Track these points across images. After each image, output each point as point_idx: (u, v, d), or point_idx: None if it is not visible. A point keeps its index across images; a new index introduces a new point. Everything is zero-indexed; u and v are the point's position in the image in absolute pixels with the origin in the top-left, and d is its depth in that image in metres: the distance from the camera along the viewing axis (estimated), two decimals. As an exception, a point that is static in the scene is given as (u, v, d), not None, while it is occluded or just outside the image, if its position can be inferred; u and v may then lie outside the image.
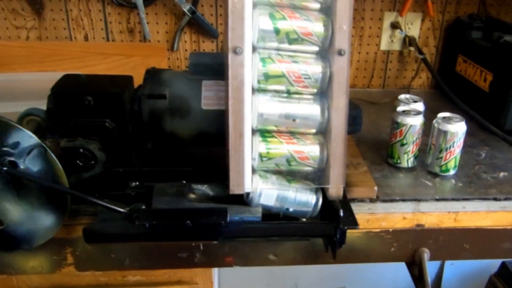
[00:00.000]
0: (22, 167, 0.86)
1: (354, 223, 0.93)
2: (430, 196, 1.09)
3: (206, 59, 1.03)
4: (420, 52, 1.57)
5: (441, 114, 1.15)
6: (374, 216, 1.08)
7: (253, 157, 0.90)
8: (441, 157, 1.14)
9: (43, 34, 1.56)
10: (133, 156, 1.05)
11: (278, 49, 0.89)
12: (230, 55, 0.85)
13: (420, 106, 1.22)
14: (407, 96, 1.25)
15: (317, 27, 0.87)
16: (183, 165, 1.01)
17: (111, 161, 1.02)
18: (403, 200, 1.08)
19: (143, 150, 1.05)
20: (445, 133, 1.12)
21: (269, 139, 0.91)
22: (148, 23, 1.55)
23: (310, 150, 0.92)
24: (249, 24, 0.85)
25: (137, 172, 1.01)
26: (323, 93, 0.91)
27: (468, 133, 1.37)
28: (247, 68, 0.86)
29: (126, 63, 1.55)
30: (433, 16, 1.59)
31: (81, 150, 0.95)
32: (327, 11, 0.88)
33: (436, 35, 1.64)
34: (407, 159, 1.17)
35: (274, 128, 0.91)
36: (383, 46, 1.64)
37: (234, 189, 0.90)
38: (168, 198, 0.90)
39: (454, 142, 1.12)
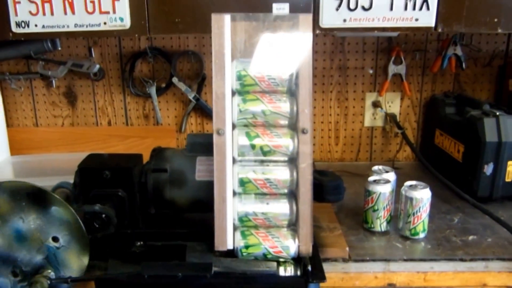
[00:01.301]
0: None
1: (322, 277, 1.04)
2: (399, 256, 1.19)
3: (200, 139, 1.20)
4: (399, 127, 1.73)
5: (408, 183, 1.28)
6: (347, 275, 1.19)
7: (233, 217, 1.05)
8: (410, 222, 1.26)
9: (75, 121, 1.79)
10: (140, 219, 1.21)
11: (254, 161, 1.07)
12: (214, 136, 1.02)
13: (391, 176, 1.35)
14: (380, 167, 1.39)
15: (285, 141, 1.05)
16: (181, 228, 1.16)
17: (122, 224, 1.18)
18: (374, 260, 1.18)
19: (148, 215, 1.21)
20: (411, 199, 1.24)
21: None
22: (160, 109, 1.77)
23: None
24: (229, 110, 1.03)
25: (142, 233, 1.16)
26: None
27: (444, 200, 1.51)
28: (228, 145, 1.03)
29: (141, 144, 1.75)
30: (411, 94, 1.76)
31: (100, 215, 1.12)
32: (292, 95, 1.06)
33: (416, 111, 1.80)
34: (379, 224, 1.29)
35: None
36: (367, 123, 1.81)
37: (218, 246, 1.04)
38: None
39: (420, 207, 1.24)
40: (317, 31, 1.34)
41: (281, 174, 1.06)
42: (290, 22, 1.06)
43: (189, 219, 1.23)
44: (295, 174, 1.05)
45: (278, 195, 1.07)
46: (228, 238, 1.04)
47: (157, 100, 1.75)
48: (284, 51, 1.05)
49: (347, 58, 1.74)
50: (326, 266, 1.16)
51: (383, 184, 1.28)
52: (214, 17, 1.01)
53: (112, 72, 1.74)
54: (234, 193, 1.06)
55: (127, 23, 1.33)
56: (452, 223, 1.37)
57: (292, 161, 1.06)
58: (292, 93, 1.06)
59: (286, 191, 1.07)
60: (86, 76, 1.71)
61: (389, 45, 1.72)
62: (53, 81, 1.71)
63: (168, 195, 1.17)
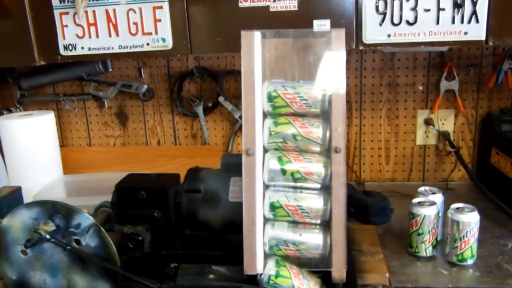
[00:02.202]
0: (83, 243, 1.03)
1: (357, 305, 0.98)
2: (443, 284, 1.10)
3: (235, 159, 1.17)
4: (452, 146, 1.61)
5: (455, 205, 1.18)
6: (388, 303, 1.11)
7: (264, 242, 1.00)
8: (457, 247, 1.16)
9: (126, 141, 1.82)
10: (176, 241, 1.19)
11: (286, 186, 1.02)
12: (244, 156, 0.99)
13: (438, 197, 1.25)
14: (427, 188, 1.29)
15: (318, 168, 0.99)
16: (215, 250, 1.14)
17: (158, 245, 1.17)
18: (416, 288, 1.10)
19: (183, 236, 1.19)
20: (457, 223, 1.15)
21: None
22: (207, 128, 1.77)
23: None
24: (260, 130, 1.00)
25: (176, 255, 1.14)
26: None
27: (499, 224, 1.38)
28: (258, 166, 0.99)
29: (189, 163, 1.73)
30: (465, 111, 1.64)
31: (133, 235, 1.12)
32: (325, 117, 1.01)
33: (471, 129, 1.67)
34: (425, 249, 1.20)
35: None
36: (419, 141, 1.70)
37: (247, 270, 1.00)
38: (190, 277, 1.01)
39: (467, 232, 1.14)
40: (361, 47, 1.28)
41: (314, 202, 1.00)
42: (324, 38, 1.01)
43: (226, 240, 1.20)
44: (328, 203, 0.99)
45: (311, 225, 1.01)
46: (258, 262, 1.00)
47: (205, 120, 1.75)
48: (316, 68, 1.01)
49: (397, 74, 1.66)
50: (365, 293, 1.10)
51: (428, 206, 1.19)
52: (244, 34, 0.99)
53: (161, 92, 1.76)
54: (265, 218, 1.02)
55: (169, 44, 1.34)
56: (505, 248, 1.25)
57: (326, 189, 1.00)
58: (326, 115, 1.00)
59: (319, 221, 1.01)
60: (136, 96, 1.74)
61: (441, 60, 1.61)
62: (105, 102, 1.76)
63: (201, 216, 1.15)
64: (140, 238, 1.11)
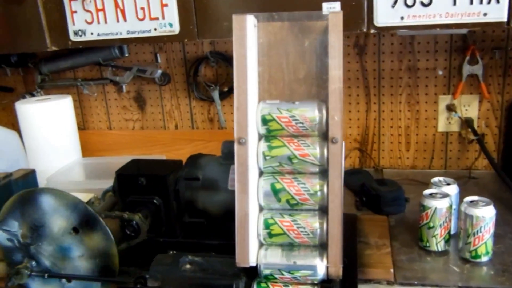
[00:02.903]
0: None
1: (353, 304, 0.89)
2: (453, 282, 1.00)
3: (235, 146, 1.10)
4: (475, 133, 1.47)
5: (468, 198, 1.07)
6: (393, 299, 1.02)
7: (258, 233, 0.93)
8: (470, 242, 1.05)
9: (144, 125, 1.78)
10: (177, 228, 1.14)
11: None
12: (236, 145, 0.91)
13: (452, 189, 1.13)
14: (441, 178, 1.18)
15: (313, 193, 0.91)
16: (215, 238, 1.07)
17: (158, 232, 1.12)
18: (423, 285, 1.00)
19: (184, 224, 1.13)
20: (471, 217, 1.03)
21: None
22: (224, 113, 1.69)
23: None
24: (253, 118, 0.91)
25: (174, 243, 1.09)
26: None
27: (521, 218, 1.24)
28: (251, 155, 0.91)
29: (206, 147, 1.69)
30: (490, 97, 1.49)
31: (127, 222, 1.07)
32: (323, 137, 0.91)
33: (497, 115, 1.52)
34: (436, 243, 1.09)
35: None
36: (441, 128, 1.57)
37: (240, 262, 0.92)
38: (163, 268, 0.95)
39: (481, 227, 1.03)
40: (372, 31, 1.18)
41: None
42: (321, 21, 0.91)
43: (227, 229, 1.14)
44: (325, 225, 0.90)
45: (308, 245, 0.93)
46: (251, 255, 0.92)
47: (221, 104, 1.68)
48: (313, 54, 0.91)
49: (417, 58, 1.52)
50: (369, 289, 1.01)
51: (440, 198, 1.08)
52: (235, 17, 0.89)
53: (178, 76, 1.69)
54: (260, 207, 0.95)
55: (176, 28, 1.27)
56: (526, 245, 1.12)
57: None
58: (324, 136, 0.90)
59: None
60: (153, 81, 1.69)
61: (464, 43, 1.47)
62: (123, 86, 1.71)
63: (200, 203, 1.09)
64: (137, 225, 1.06)
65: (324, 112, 0.89)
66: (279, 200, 0.92)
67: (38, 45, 1.37)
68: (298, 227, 0.92)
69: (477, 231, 1.03)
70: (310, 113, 0.90)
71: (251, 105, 0.92)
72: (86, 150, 1.70)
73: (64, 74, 1.76)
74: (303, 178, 0.92)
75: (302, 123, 0.90)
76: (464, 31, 1.39)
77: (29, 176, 1.37)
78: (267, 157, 0.92)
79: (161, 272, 0.94)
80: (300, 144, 0.91)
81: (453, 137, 1.58)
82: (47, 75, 1.70)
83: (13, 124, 1.77)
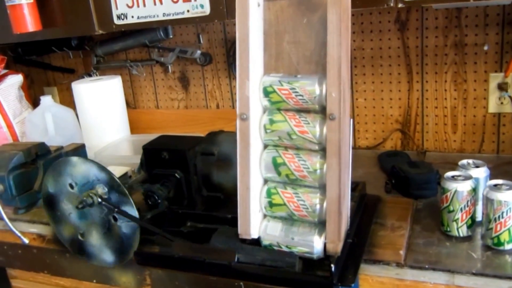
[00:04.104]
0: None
1: (350, 281, 0.89)
2: (467, 269, 0.95)
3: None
4: (526, 116, 1.37)
5: (492, 182, 1.01)
6: (402, 283, 1.00)
7: (260, 202, 0.96)
8: (491, 228, 0.99)
9: (188, 104, 1.86)
10: (198, 201, 1.20)
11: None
12: (238, 121, 0.94)
13: (480, 172, 1.08)
14: (470, 161, 1.12)
15: (312, 171, 0.92)
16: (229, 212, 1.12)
17: (181, 205, 1.19)
18: (434, 270, 0.97)
19: (203, 197, 1.19)
20: (492, 202, 0.98)
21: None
22: (263, 93, 1.72)
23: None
24: (254, 96, 0.94)
25: (191, 214, 1.15)
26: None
27: None
28: (252, 131, 0.94)
29: (246, 126, 1.72)
30: (546, 76, 1.38)
31: (149, 193, 1.14)
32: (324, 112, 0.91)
33: (556, 96, 1.40)
34: (457, 228, 1.04)
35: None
36: (492, 108, 1.47)
37: (242, 234, 0.96)
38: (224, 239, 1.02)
39: (503, 212, 0.97)
40: (400, 5, 1.14)
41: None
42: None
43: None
44: (325, 203, 0.92)
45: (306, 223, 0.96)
46: (252, 227, 0.96)
47: (261, 84, 1.70)
48: (320, 31, 0.91)
49: (464, 33, 1.44)
50: (378, 270, 1.01)
51: (461, 181, 1.03)
52: (238, -2, 0.92)
53: (219, 57, 1.74)
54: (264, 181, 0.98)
55: (207, 9, 1.32)
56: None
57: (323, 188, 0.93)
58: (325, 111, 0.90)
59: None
60: (196, 61, 1.76)
61: (517, 15, 1.36)
62: (169, 67, 1.80)
63: (215, 178, 1.14)
64: (156, 196, 1.14)
65: (324, 86, 0.89)
66: (279, 174, 0.95)
67: (87, 28, 1.49)
68: (298, 200, 0.94)
69: (499, 216, 0.97)
70: (310, 86, 0.90)
71: (255, 82, 0.94)
72: (136, 128, 1.82)
73: (117, 55, 1.88)
74: (305, 155, 0.94)
75: (302, 95, 0.91)
76: (508, 1, 1.28)
77: (79, 150, 1.51)
78: (268, 131, 0.94)
79: (222, 243, 1.00)
80: (301, 121, 0.92)
81: (506, 119, 1.48)
82: (102, 57, 1.84)
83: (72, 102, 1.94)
